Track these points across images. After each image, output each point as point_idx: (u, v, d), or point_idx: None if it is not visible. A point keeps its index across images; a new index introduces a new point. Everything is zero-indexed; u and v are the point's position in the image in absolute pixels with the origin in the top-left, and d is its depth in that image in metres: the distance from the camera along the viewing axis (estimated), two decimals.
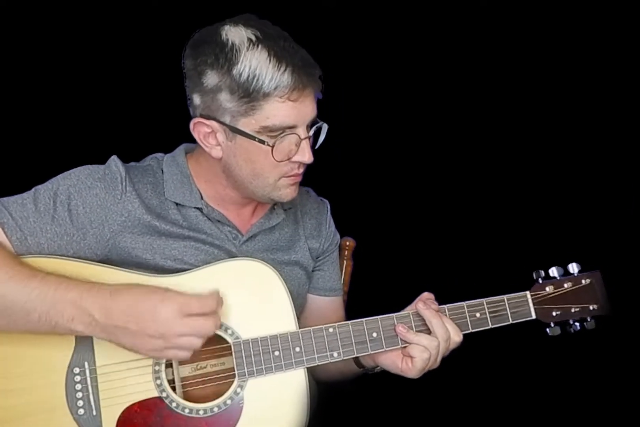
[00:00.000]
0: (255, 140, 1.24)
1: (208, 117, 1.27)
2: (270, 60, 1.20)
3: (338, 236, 1.61)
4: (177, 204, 1.35)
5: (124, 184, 1.31)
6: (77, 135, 1.99)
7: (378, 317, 1.33)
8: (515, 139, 2.19)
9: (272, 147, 1.25)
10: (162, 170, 1.38)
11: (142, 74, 2.00)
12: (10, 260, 1.20)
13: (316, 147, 1.32)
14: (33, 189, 1.30)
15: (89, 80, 2.01)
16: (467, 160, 2.22)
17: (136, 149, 1.44)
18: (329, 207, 1.59)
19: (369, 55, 2.13)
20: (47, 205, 1.26)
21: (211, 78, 1.23)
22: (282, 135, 1.25)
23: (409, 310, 1.35)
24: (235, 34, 1.23)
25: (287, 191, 1.33)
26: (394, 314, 1.34)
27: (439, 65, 2.18)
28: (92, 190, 1.29)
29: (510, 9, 2.10)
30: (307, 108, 1.26)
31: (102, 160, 1.35)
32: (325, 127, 1.32)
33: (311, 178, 1.40)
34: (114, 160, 1.35)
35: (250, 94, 1.21)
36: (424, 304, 1.32)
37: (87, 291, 1.17)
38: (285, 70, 1.20)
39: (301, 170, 1.32)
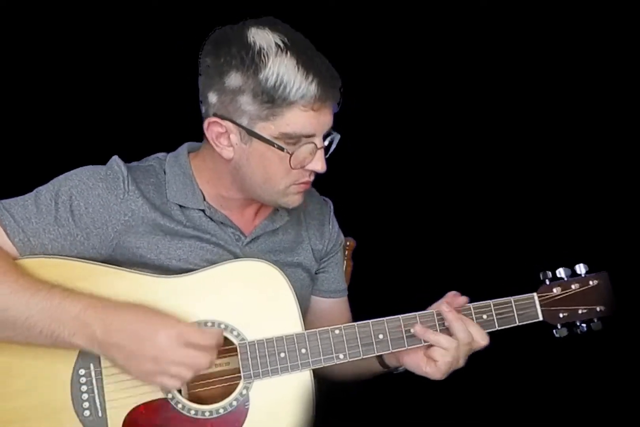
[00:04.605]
0: (274, 146, 1.24)
1: (223, 118, 1.25)
2: (298, 69, 1.19)
3: (342, 236, 1.59)
4: (180, 205, 1.34)
5: (126, 182, 1.29)
6: (78, 135, 1.98)
7: (384, 318, 1.31)
8: (520, 139, 2.18)
9: (291, 155, 1.24)
10: (165, 171, 1.36)
11: (144, 73, 1.99)
12: (13, 273, 1.18)
13: (326, 156, 1.30)
14: (34, 191, 1.29)
15: (90, 79, 2.00)
16: (470, 159, 2.21)
17: (138, 148, 1.42)
18: (332, 206, 1.57)
19: (368, 56, 2.12)
20: (49, 206, 1.25)
21: (234, 79, 1.21)
22: (300, 144, 1.24)
23: (433, 308, 1.33)
24: (262, 37, 1.21)
25: (294, 198, 1.33)
26: (417, 313, 1.32)
27: (437, 67, 2.16)
28: (94, 191, 1.27)
29: (510, 9, 2.09)
30: (326, 118, 1.26)
31: (104, 160, 1.34)
32: (337, 138, 1.31)
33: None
34: (115, 160, 1.33)
35: (274, 100, 1.20)
36: (448, 306, 1.31)
37: (91, 306, 1.17)
38: (312, 80, 1.19)
39: (312, 178, 1.32)
